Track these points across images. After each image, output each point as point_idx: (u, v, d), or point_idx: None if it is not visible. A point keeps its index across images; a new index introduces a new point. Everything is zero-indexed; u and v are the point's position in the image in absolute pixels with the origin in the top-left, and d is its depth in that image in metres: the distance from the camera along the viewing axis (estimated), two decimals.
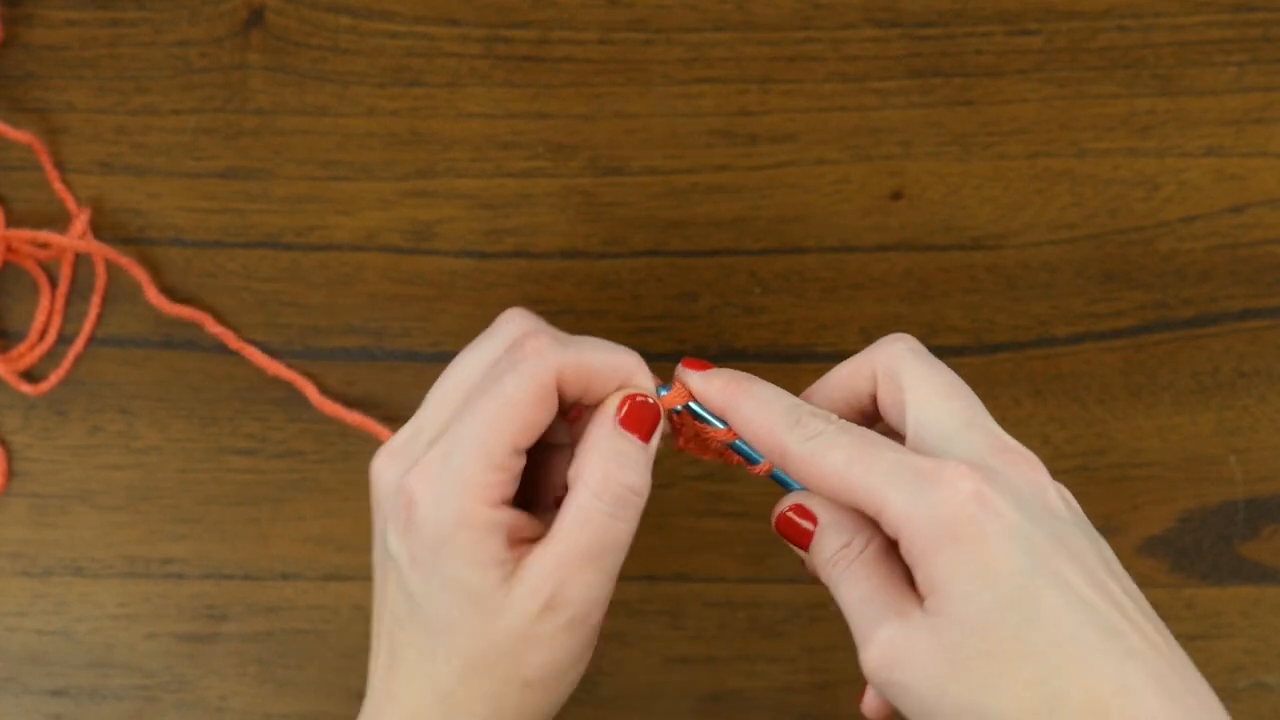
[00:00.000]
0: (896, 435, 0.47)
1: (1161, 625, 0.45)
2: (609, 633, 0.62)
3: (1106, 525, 0.47)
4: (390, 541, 0.47)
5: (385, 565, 0.48)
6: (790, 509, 0.48)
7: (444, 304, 0.64)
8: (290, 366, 0.64)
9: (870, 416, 0.49)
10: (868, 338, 0.64)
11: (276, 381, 0.64)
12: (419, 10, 0.66)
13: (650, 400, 0.48)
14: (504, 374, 0.46)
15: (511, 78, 0.65)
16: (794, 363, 0.64)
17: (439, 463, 0.46)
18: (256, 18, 0.66)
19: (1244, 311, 0.64)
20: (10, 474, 0.64)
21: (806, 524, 0.47)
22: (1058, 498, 0.46)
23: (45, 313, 0.64)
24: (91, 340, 0.64)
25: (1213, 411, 0.64)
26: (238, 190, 0.65)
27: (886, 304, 0.64)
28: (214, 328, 0.63)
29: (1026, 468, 0.45)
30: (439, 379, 0.49)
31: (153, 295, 0.63)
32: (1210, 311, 0.64)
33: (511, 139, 0.65)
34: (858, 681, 0.63)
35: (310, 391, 0.63)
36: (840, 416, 0.47)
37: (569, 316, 0.64)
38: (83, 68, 0.66)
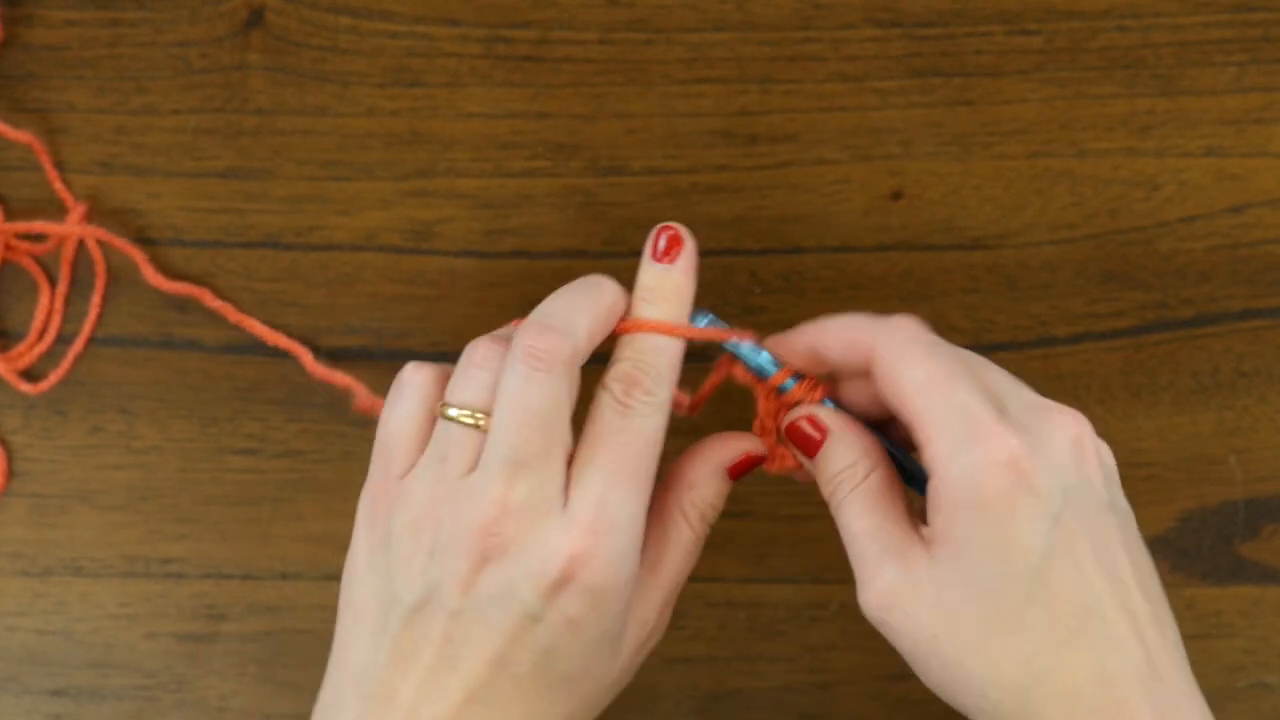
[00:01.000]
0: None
1: (1164, 611, 0.45)
2: None
3: None
4: (531, 601, 0.46)
5: (472, 618, 0.46)
6: (804, 418, 0.49)
7: (444, 304, 0.64)
8: (289, 366, 0.63)
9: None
10: None
11: (276, 381, 0.64)
12: (419, 10, 0.66)
13: (756, 454, 0.51)
14: (630, 420, 0.47)
15: (511, 78, 0.65)
16: None
17: (608, 523, 0.46)
18: (256, 18, 0.66)
19: (1244, 311, 0.64)
20: (10, 474, 0.64)
21: (815, 434, 0.48)
22: (1096, 464, 0.46)
23: (45, 311, 0.64)
24: (91, 340, 0.64)
25: (1213, 411, 0.64)
26: (238, 190, 0.65)
27: (886, 304, 0.64)
28: (213, 302, 0.63)
29: (1071, 429, 0.45)
30: (502, 427, 0.49)
31: (151, 275, 0.63)
32: (1210, 311, 0.64)
33: (511, 139, 0.65)
34: (858, 681, 0.63)
35: (306, 358, 0.63)
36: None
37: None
38: (83, 68, 0.66)
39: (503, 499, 0.46)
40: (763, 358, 0.51)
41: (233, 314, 0.64)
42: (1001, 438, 0.44)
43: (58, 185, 0.65)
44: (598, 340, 0.50)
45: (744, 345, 0.51)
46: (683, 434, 0.53)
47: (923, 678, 0.47)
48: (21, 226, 0.64)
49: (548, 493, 0.46)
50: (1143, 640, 0.44)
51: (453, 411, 0.48)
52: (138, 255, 0.64)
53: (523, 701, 0.46)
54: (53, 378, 0.64)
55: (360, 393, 0.62)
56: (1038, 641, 0.43)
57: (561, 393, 0.47)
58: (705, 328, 0.51)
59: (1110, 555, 0.44)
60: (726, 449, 0.50)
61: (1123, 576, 0.45)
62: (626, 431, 0.47)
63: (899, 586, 0.45)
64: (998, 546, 0.43)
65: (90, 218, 0.64)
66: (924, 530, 0.46)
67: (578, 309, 0.49)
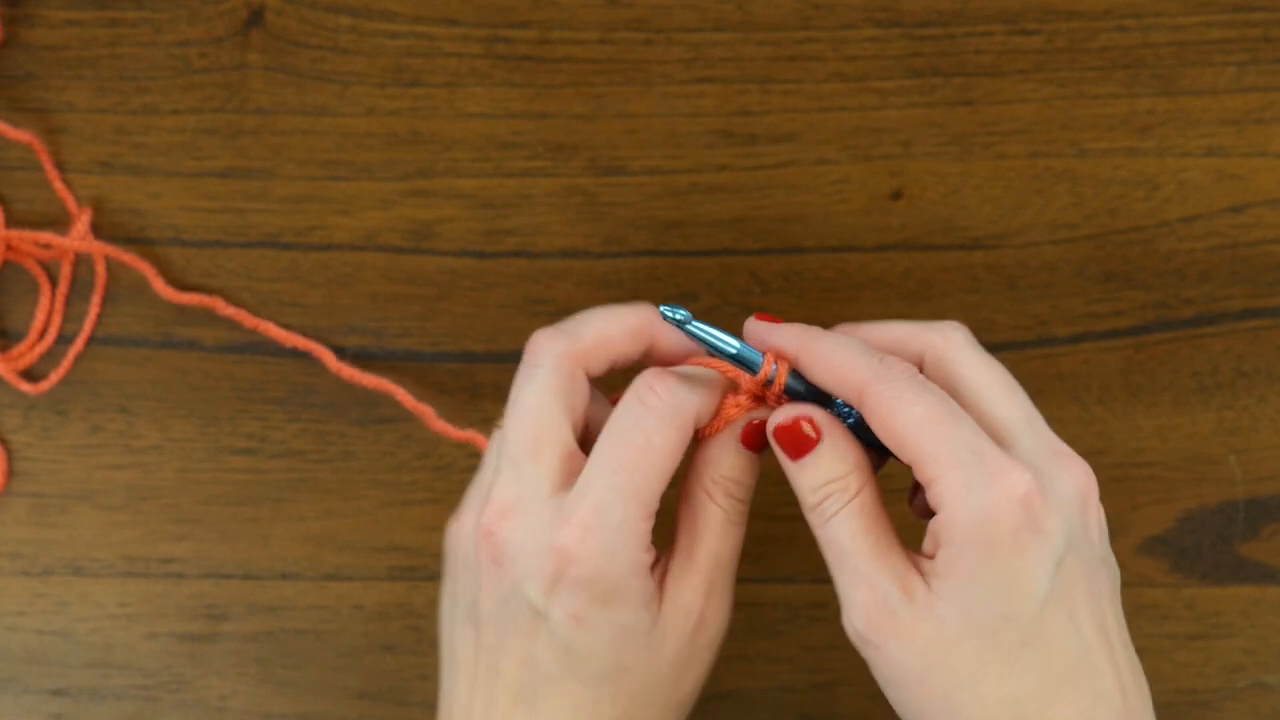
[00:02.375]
0: None
1: (1140, 671, 0.46)
2: None
3: (1108, 525, 0.48)
4: (535, 599, 0.46)
5: (498, 624, 0.47)
6: (803, 419, 0.47)
7: (444, 304, 0.64)
8: (290, 366, 0.63)
9: None
10: None
11: (276, 381, 0.64)
12: (419, 10, 0.66)
13: (764, 423, 0.48)
14: (641, 420, 0.47)
15: (511, 78, 0.65)
16: None
17: (596, 517, 0.45)
18: (256, 18, 0.66)
19: (1244, 311, 0.64)
20: (10, 474, 0.64)
21: (812, 435, 0.47)
22: (1096, 518, 0.46)
23: (45, 312, 0.64)
24: (91, 340, 0.64)
25: (1213, 411, 0.64)
26: (238, 190, 0.65)
27: (886, 304, 0.64)
28: (225, 310, 0.63)
29: (1081, 478, 0.45)
30: (503, 430, 0.49)
31: (160, 287, 0.63)
32: (1210, 311, 0.64)
33: (511, 139, 0.65)
34: (858, 682, 0.63)
35: (328, 359, 0.63)
36: None
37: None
38: (83, 68, 0.66)
39: (498, 500, 0.46)
40: (736, 346, 0.49)
41: (248, 319, 0.63)
42: (1015, 473, 0.43)
43: (58, 186, 0.65)
44: (614, 349, 0.49)
45: (728, 341, 0.49)
46: None
47: (898, 707, 0.46)
48: (28, 236, 0.63)
49: (536, 490, 0.46)
50: (1125, 696, 0.44)
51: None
52: (146, 269, 0.63)
53: (565, 701, 0.46)
54: (53, 378, 0.64)
55: (395, 390, 0.62)
56: (1028, 687, 0.43)
57: (550, 389, 0.47)
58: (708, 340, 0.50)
59: (1100, 609, 0.45)
60: (737, 424, 0.49)
61: (1109, 632, 0.45)
62: (636, 430, 0.46)
63: (899, 613, 0.44)
64: (1002, 587, 0.43)
65: (92, 220, 0.64)
66: (921, 560, 0.45)
67: (591, 315, 0.49)
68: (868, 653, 0.46)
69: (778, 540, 0.63)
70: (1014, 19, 0.66)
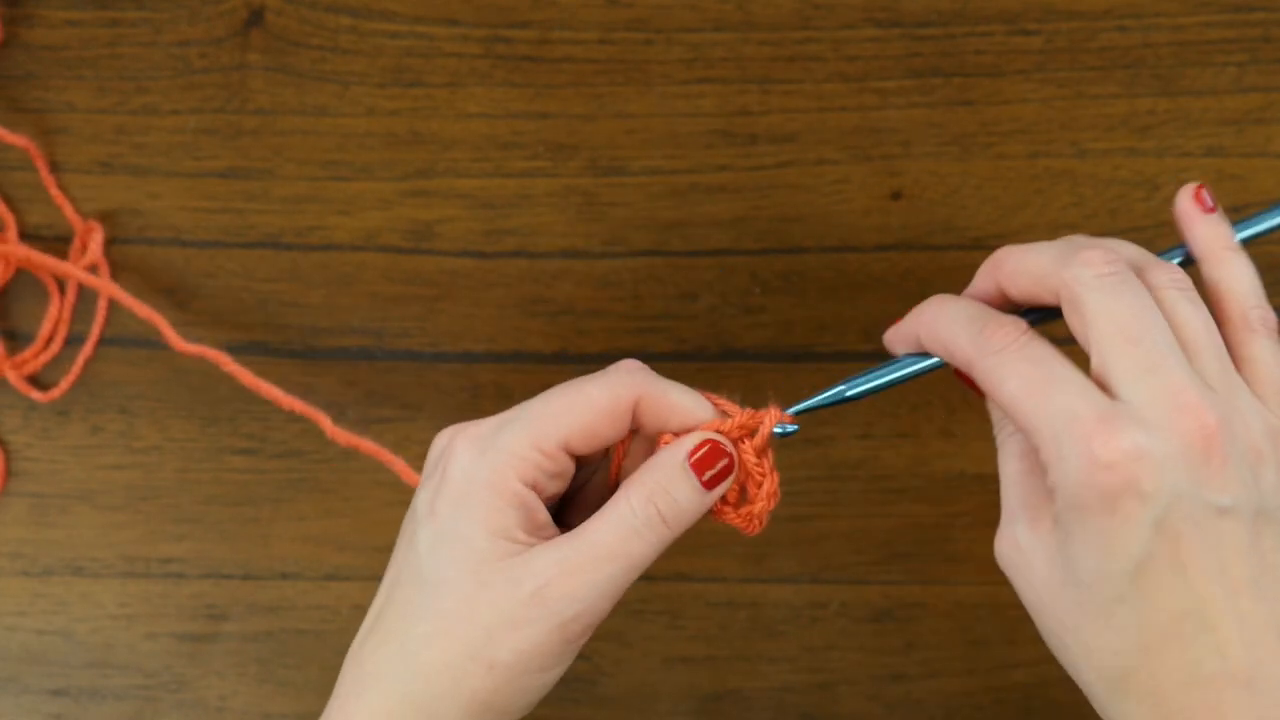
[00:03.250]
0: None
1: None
2: (609, 632, 0.62)
3: None
4: (419, 496, 0.47)
5: (405, 526, 0.48)
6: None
7: (444, 304, 0.64)
8: (289, 366, 0.63)
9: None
10: (868, 338, 0.64)
11: (277, 381, 0.63)
12: (419, 10, 0.66)
13: (728, 454, 0.48)
14: (589, 379, 0.47)
15: (511, 78, 0.65)
16: (794, 362, 0.64)
17: (491, 428, 0.46)
18: (256, 18, 0.66)
19: None
20: (11, 474, 0.64)
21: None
22: (1220, 463, 0.44)
23: (53, 321, 0.64)
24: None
25: None
26: (238, 190, 0.65)
27: (886, 304, 0.64)
28: (229, 367, 0.62)
29: (1193, 429, 0.44)
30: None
31: (171, 338, 0.63)
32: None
33: (511, 139, 0.65)
34: (858, 681, 0.63)
35: (324, 423, 0.62)
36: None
37: (569, 316, 0.64)
38: (83, 68, 0.66)
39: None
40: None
41: (249, 379, 0.62)
42: (1104, 441, 0.43)
43: (54, 191, 0.65)
44: (574, 443, 0.48)
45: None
46: None
47: (1040, 630, 0.47)
48: (37, 258, 0.63)
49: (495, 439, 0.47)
50: (1249, 645, 0.43)
51: None
52: (159, 320, 0.63)
53: (395, 605, 0.47)
54: (63, 385, 0.64)
55: (387, 459, 0.61)
56: (1126, 640, 0.44)
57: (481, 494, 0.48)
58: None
59: (1223, 558, 0.44)
60: (690, 439, 0.48)
61: (1239, 580, 0.44)
62: (578, 384, 0.47)
63: (1023, 543, 0.45)
64: (1095, 547, 0.43)
65: (98, 217, 0.64)
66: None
67: (526, 421, 0.48)
68: (1007, 575, 0.47)
69: (778, 540, 0.63)
70: (1014, 19, 0.66)
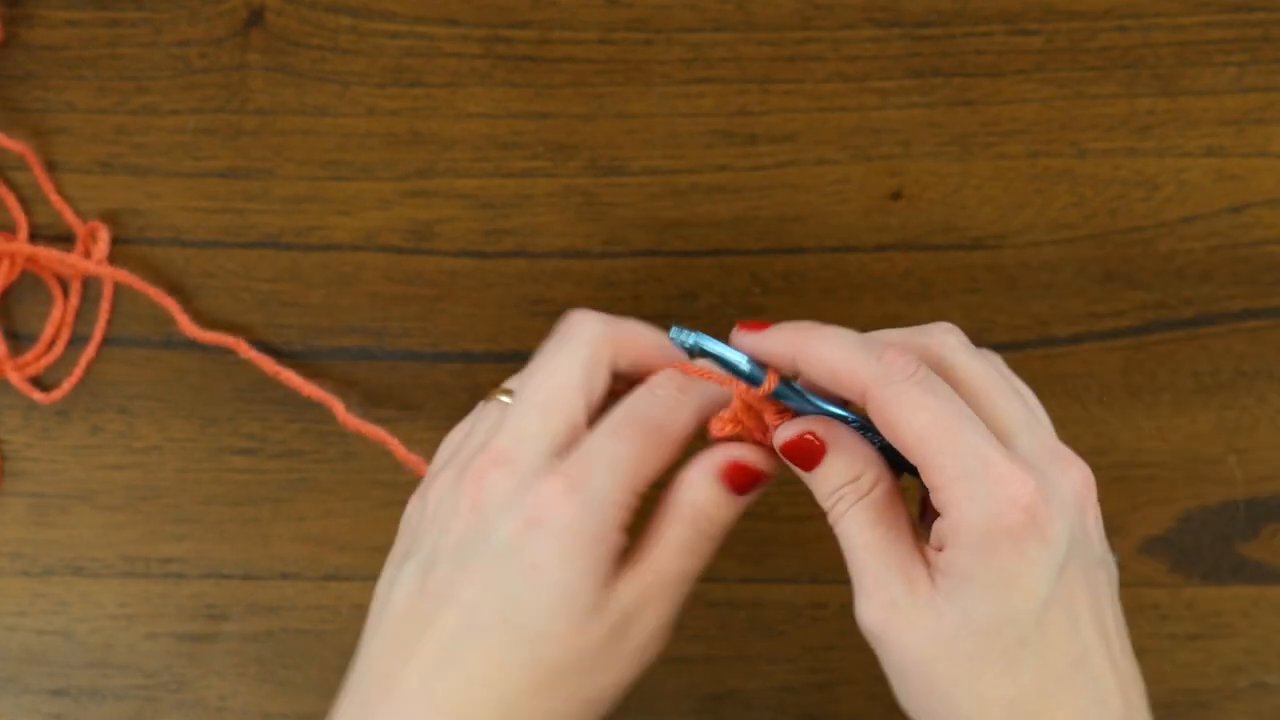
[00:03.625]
0: None
1: (1137, 672, 0.46)
2: None
3: (1107, 525, 0.48)
4: (503, 540, 0.46)
5: (468, 542, 0.47)
6: (806, 433, 0.47)
7: (444, 304, 0.64)
8: (290, 367, 0.63)
9: None
10: None
11: (276, 382, 0.64)
12: (419, 10, 0.66)
13: (753, 466, 0.48)
14: (651, 405, 0.48)
15: (511, 78, 0.65)
16: None
17: (586, 477, 0.46)
18: (256, 18, 0.66)
19: (1244, 311, 0.64)
20: (10, 474, 0.64)
21: (818, 444, 0.47)
22: (1095, 519, 0.46)
23: (56, 324, 0.64)
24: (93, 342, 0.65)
25: (1213, 411, 0.64)
26: (238, 190, 0.65)
27: (886, 304, 0.64)
28: (248, 353, 0.63)
29: (1080, 479, 0.45)
30: (519, 389, 0.49)
31: (185, 324, 0.63)
32: (1210, 311, 0.64)
33: (511, 139, 0.65)
34: (858, 681, 0.63)
35: (338, 409, 0.62)
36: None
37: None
38: (83, 68, 0.66)
39: (496, 448, 0.48)
40: (745, 361, 0.48)
41: (270, 365, 0.62)
42: (1018, 482, 0.43)
43: (54, 197, 0.65)
44: (638, 352, 0.49)
45: (728, 350, 0.49)
46: None
47: (904, 701, 0.47)
48: (54, 255, 0.63)
49: (536, 446, 0.47)
50: (1125, 697, 0.44)
51: None
52: (172, 305, 0.63)
53: (489, 657, 0.45)
54: (65, 386, 0.64)
55: (395, 448, 0.62)
56: (1025, 687, 0.43)
57: (580, 361, 0.49)
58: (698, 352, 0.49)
59: (1100, 610, 0.45)
60: (720, 452, 0.49)
61: (1109, 633, 0.45)
62: (646, 411, 0.47)
63: (901, 604, 0.45)
64: (1002, 589, 0.43)
65: (98, 217, 0.64)
66: (929, 552, 0.46)
67: (624, 320, 0.50)
68: (878, 646, 0.46)
69: (778, 540, 0.63)
70: (1014, 19, 0.66)
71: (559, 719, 0.46)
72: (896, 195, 0.65)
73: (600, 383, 0.49)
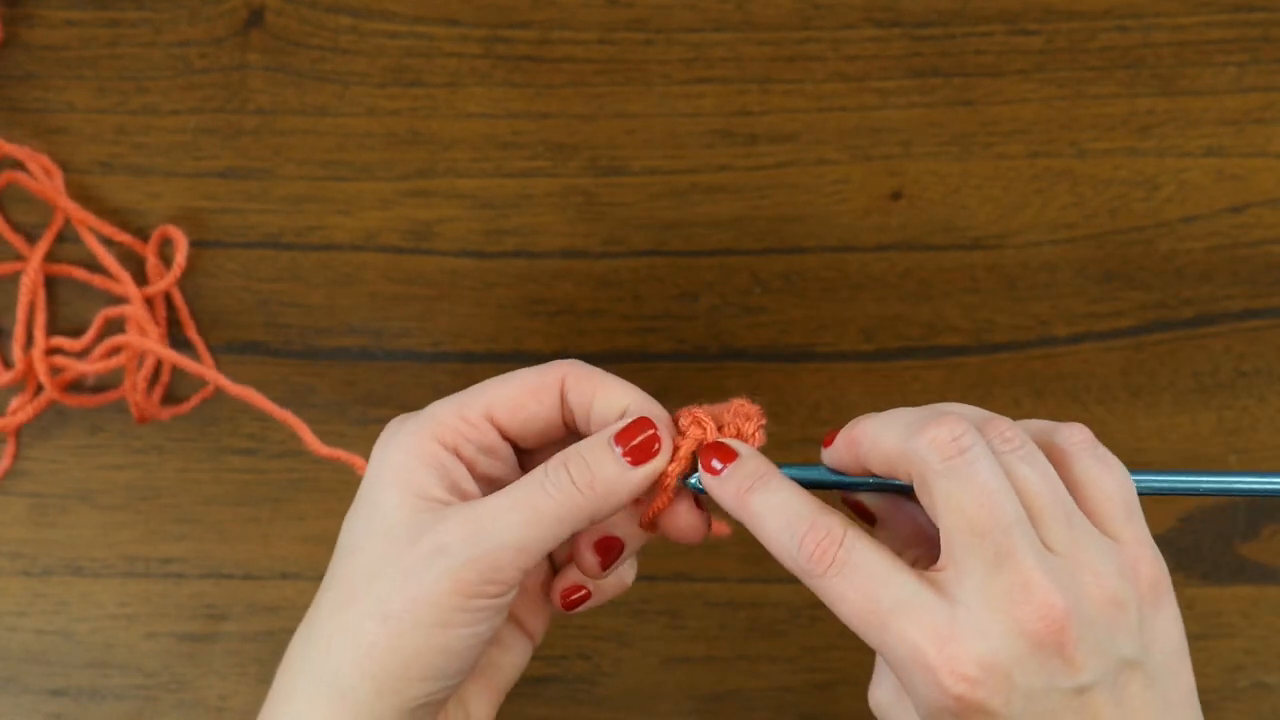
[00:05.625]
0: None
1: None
2: (609, 632, 0.62)
3: None
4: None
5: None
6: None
7: (444, 304, 0.64)
8: (289, 366, 0.63)
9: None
10: (868, 338, 0.64)
11: (277, 381, 0.64)
12: (419, 10, 0.66)
13: (657, 435, 0.46)
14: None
15: (511, 78, 0.65)
16: (794, 362, 0.64)
17: (428, 407, 0.47)
18: (256, 18, 0.66)
19: (1244, 311, 0.64)
20: (10, 473, 0.64)
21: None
22: (1074, 641, 0.44)
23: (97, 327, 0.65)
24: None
25: (1213, 411, 0.64)
26: (238, 190, 0.65)
27: (886, 304, 0.64)
28: (364, 469, 0.62)
29: (1044, 627, 0.43)
30: None
31: (310, 441, 0.62)
32: (1210, 311, 0.64)
33: (511, 139, 0.65)
34: (858, 681, 0.63)
35: (305, 435, 0.62)
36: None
37: (569, 316, 0.64)
38: (83, 68, 0.66)
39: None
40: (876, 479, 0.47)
41: (358, 464, 0.62)
42: (949, 670, 0.42)
43: (60, 200, 0.65)
44: (502, 412, 0.48)
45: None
46: None
47: None
48: (170, 355, 0.63)
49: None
50: None
51: None
52: (300, 426, 0.62)
53: (326, 585, 0.47)
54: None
55: (362, 469, 0.62)
56: None
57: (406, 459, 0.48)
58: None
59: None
60: (627, 419, 0.47)
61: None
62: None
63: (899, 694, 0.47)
64: None
65: (95, 220, 0.64)
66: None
67: (480, 387, 0.49)
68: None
69: None
70: (1014, 19, 0.66)
71: (360, 635, 0.45)
72: (896, 195, 0.65)
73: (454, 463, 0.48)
